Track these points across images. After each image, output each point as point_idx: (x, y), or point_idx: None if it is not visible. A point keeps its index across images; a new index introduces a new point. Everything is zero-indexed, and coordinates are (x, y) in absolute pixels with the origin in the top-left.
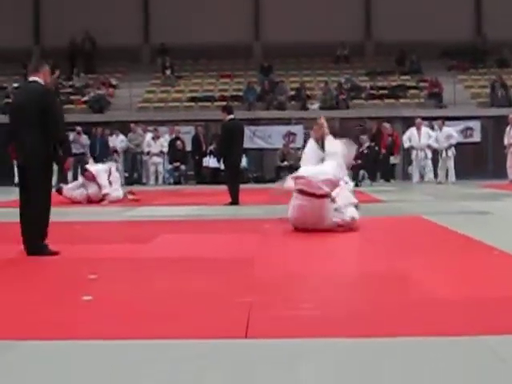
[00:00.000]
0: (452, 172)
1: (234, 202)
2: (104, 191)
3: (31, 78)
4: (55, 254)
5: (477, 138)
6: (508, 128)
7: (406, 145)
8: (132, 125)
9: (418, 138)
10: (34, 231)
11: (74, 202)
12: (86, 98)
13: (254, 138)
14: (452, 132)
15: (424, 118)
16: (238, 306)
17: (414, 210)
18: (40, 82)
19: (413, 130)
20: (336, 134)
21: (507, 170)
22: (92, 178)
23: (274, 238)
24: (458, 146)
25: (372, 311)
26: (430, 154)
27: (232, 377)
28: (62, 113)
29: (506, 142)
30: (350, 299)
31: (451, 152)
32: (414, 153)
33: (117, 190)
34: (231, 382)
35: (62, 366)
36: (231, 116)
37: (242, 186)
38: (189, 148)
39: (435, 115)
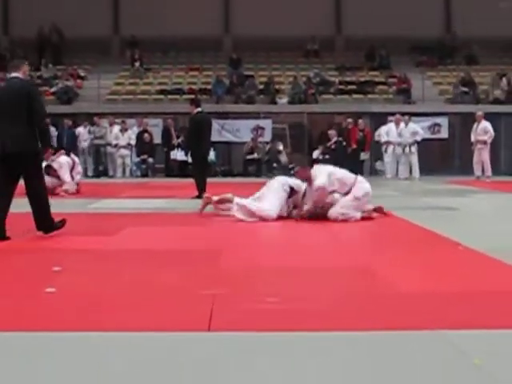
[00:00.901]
0: (416, 168)
1: (201, 195)
2: (65, 187)
3: (12, 75)
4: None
5: (444, 134)
6: (475, 125)
7: (383, 139)
8: (95, 118)
9: (395, 133)
10: (48, 213)
11: None
12: (53, 90)
13: (222, 132)
14: (417, 128)
15: (392, 114)
16: (201, 299)
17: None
18: (21, 78)
19: (391, 125)
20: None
21: (474, 166)
22: (55, 174)
23: (241, 230)
24: (425, 141)
25: (335, 306)
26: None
27: (193, 370)
28: (44, 104)
29: (472, 138)
30: (314, 293)
31: (415, 148)
32: (390, 148)
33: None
34: (192, 374)
35: (22, 357)
36: (199, 109)
37: (209, 180)
38: (157, 141)
39: (403, 111)
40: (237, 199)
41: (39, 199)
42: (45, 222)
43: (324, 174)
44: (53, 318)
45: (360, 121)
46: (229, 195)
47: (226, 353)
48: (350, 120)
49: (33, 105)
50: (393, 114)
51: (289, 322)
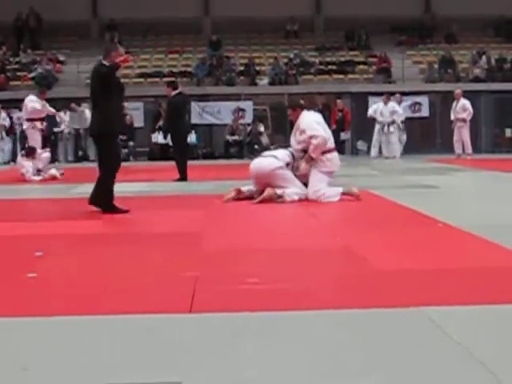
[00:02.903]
0: (395, 146)
1: (183, 177)
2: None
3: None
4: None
5: (425, 112)
6: (454, 103)
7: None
8: (72, 104)
9: (383, 112)
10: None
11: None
12: (33, 74)
13: (203, 114)
14: (397, 108)
15: (372, 94)
16: (183, 281)
17: (360, 185)
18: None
19: (380, 104)
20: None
21: (454, 144)
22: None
23: (222, 213)
24: (406, 120)
25: (316, 285)
26: (392, 128)
27: (175, 351)
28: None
29: (452, 117)
30: (295, 273)
31: (394, 127)
32: (377, 127)
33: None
34: (175, 357)
35: (4, 343)
36: (176, 91)
37: (191, 162)
38: (139, 124)
39: (384, 90)
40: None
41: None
42: (96, 197)
43: (315, 124)
44: (36, 303)
45: (339, 101)
46: (270, 192)
47: (208, 334)
48: (338, 101)
49: None
50: (373, 93)
51: (270, 303)
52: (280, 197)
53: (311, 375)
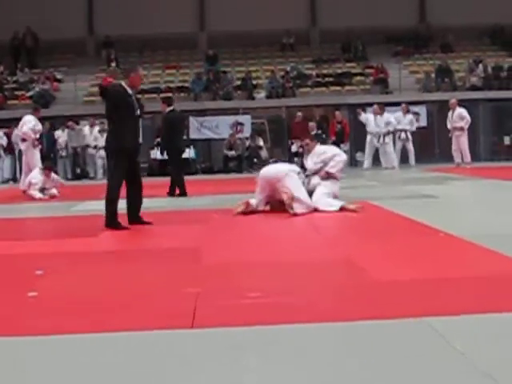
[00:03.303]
0: (392, 156)
1: (182, 193)
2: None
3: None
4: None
5: (423, 122)
6: (450, 113)
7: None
8: (70, 122)
9: (373, 123)
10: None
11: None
12: (30, 93)
13: (201, 129)
14: (391, 119)
15: (370, 105)
16: (184, 297)
17: (360, 196)
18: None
19: (369, 115)
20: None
21: (453, 153)
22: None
23: (222, 227)
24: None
25: (318, 298)
26: (387, 139)
27: (179, 367)
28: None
29: (449, 126)
30: (296, 287)
31: (388, 138)
32: (368, 137)
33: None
34: (177, 372)
35: (3, 362)
36: (171, 107)
37: (190, 177)
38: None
39: (381, 101)
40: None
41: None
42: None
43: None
44: (36, 322)
45: (337, 113)
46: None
47: (210, 349)
48: (299, 114)
49: None
50: (371, 104)
51: (272, 316)
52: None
53: None
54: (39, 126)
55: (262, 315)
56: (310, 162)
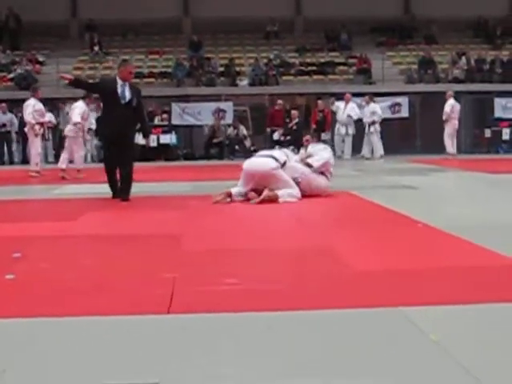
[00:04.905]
0: (377, 147)
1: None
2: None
3: None
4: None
5: (405, 113)
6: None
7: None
8: (61, 104)
9: (342, 111)
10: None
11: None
12: (12, 75)
13: (183, 115)
14: (377, 109)
15: (353, 95)
16: (162, 282)
17: (341, 185)
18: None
19: (340, 104)
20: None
21: (445, 143)
22: None
23: (201, 214)
24: (386, 121)
25: (294, 285)
26: (350, 131)
27: (152, 352)
28: None
29: (444, 117)
30: (274, 274)
31: (374, 128)
32: (336, 126)
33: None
34: (151, 358)
35: None
36: None
37: (171, 163)
38: None
39: (364, 91)
40: (281, 198)
41: None
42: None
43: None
44: (13, 304)
45: (319, 101)
46: (270, 194)
47: (186, 335)
48: (279, 101)
49: None
50: (353, 94)
51: (248, 303)
52: (277, 198)
53: (288, 373)
54: (39, 106)
55: (239, 302)
56: (303, 153)
